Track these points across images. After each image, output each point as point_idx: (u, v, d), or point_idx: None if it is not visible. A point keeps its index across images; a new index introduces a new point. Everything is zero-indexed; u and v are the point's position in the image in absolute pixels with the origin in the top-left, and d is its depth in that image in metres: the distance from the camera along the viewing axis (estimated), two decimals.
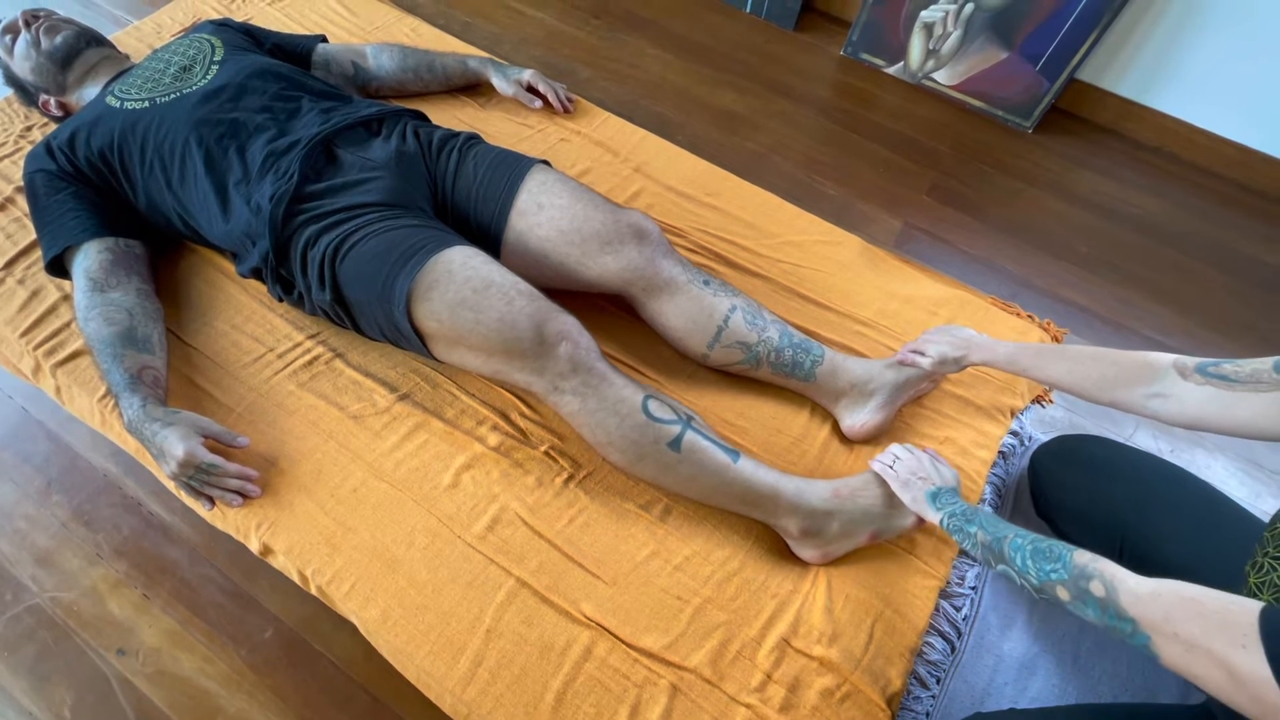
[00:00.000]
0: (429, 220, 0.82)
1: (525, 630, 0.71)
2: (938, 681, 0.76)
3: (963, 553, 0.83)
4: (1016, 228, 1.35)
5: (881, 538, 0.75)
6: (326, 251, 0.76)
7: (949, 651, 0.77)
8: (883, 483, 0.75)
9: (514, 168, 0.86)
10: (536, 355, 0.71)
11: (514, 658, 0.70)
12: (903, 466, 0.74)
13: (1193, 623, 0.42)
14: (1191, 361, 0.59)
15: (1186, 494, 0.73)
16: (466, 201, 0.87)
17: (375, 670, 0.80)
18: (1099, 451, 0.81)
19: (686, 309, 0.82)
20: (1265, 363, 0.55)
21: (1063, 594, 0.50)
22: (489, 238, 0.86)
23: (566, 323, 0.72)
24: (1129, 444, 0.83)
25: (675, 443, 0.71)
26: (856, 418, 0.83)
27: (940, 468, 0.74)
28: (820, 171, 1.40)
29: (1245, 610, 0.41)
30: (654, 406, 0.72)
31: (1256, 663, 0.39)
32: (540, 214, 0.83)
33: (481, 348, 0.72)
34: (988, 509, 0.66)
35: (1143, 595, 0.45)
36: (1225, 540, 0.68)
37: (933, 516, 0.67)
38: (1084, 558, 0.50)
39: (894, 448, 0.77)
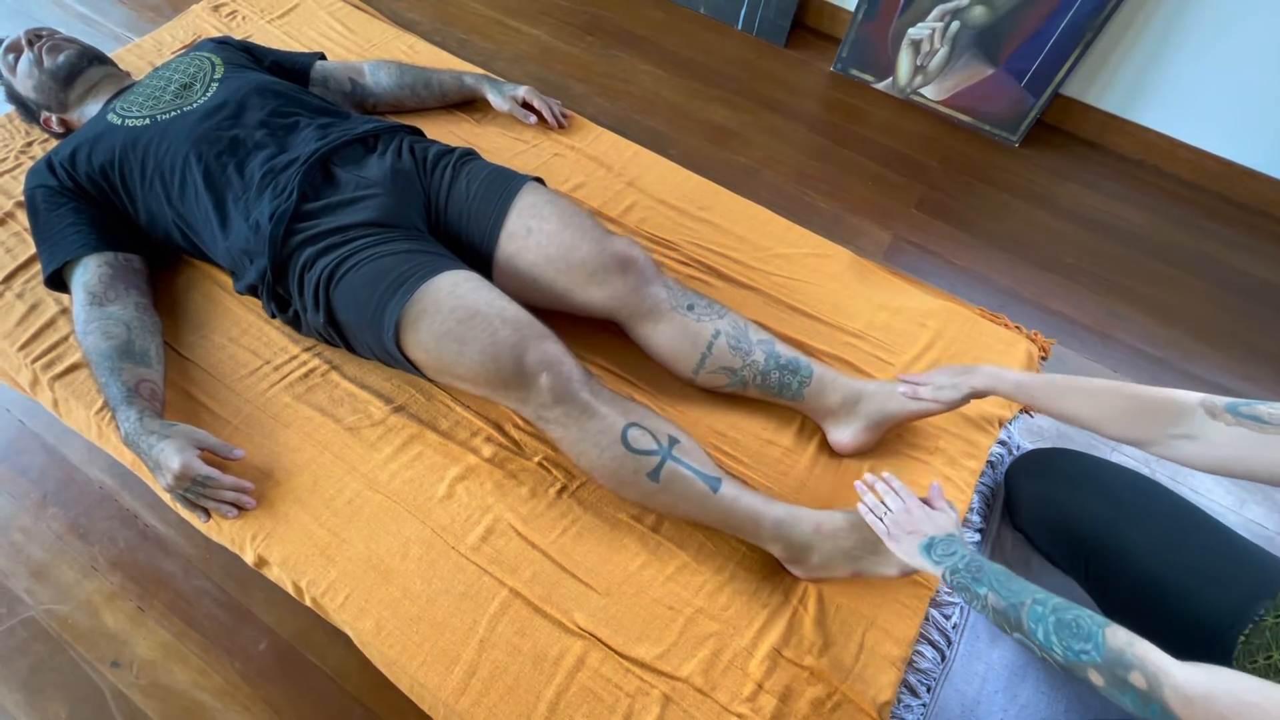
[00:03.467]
0: (422, 241, 0.83)
1: (518, 640, 0.72)
2: (928, 690, 0.76)
3: None
4: (1003, 240, 1.37)
5: (863, 575, 0.72)
6: (322, 276, 0.77)
7: (939, 660, 0.78)
8: (867, 526, 0.71)
9: (504, 188, 0.87)
10: (520, 386, 0.73)
11: (507, 668, 0.70)
12: (892, 520, 0.66)
13: None
14: (1221, 401, 0.56)
15: (1155, 505, 0.74)
16: (459, 220, 0.88)
17: (370, 682, 0.80)
18: (1068, 465, 0.82)
19: (671, 335, 0.83)
20: None
21: (1095, 678, 0.46)
22: (481, 257, 0.87)
23: (548, 352, 0.73)
24: (1110, 455, 0.84)
25: (654, 473, 0.72)
26: (844, 435, 0.84)
27: (935, 516, 0.65)
28: (811, 185, 1.43)
29: None
30: (634, 436, 0.73)
31: None
32: (529, 238, 0.84)
33: (468, 378, 0.74)
34: (998, 566, 0.57)
35: (1194, 696, 0.41)
36: (1195, 550, 0.69)
37: (931, 570, 0.61)
38: (1119, 638, 0.46)
39: (883, 488, 0.69)
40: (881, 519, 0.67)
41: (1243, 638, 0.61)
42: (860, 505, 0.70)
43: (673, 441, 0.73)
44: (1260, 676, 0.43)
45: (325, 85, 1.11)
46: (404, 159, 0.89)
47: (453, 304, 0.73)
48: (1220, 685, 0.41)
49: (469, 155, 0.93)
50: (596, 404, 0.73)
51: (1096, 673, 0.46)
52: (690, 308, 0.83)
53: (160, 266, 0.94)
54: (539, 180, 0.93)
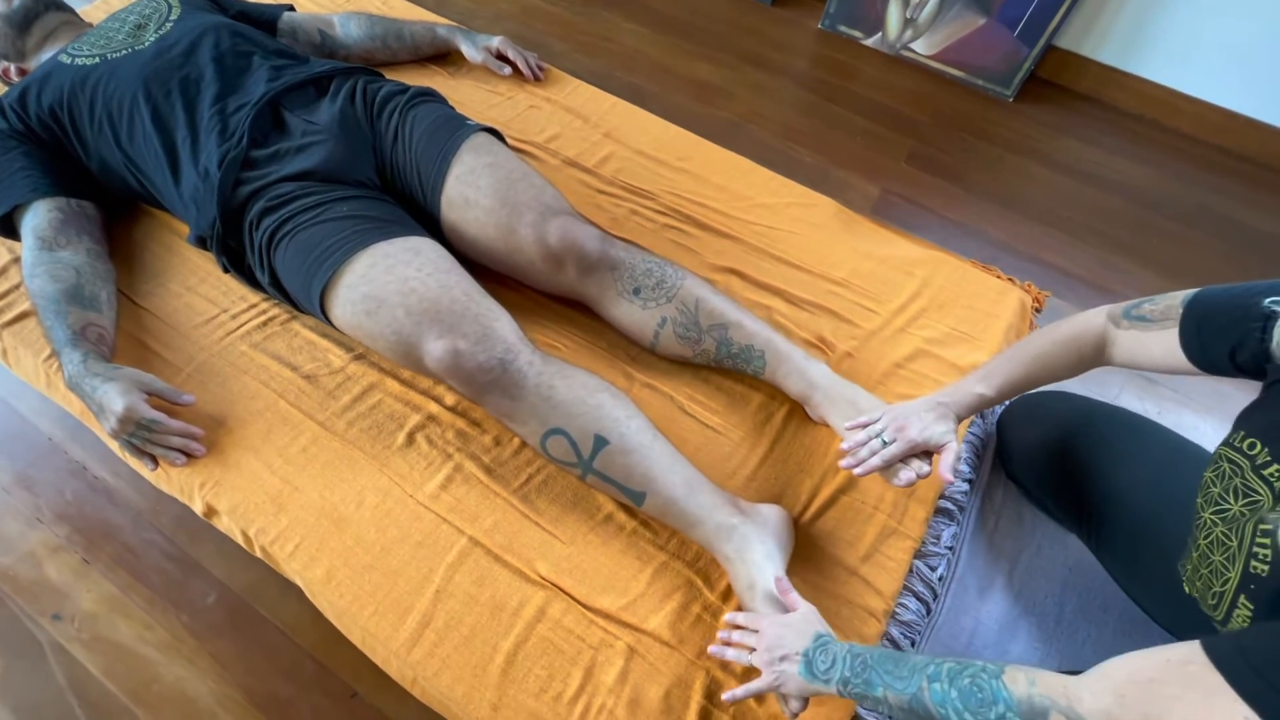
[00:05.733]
0: (364, 202, 0.78)
1: (476, 590, 0.68)
2: (913, 644, 0.72)
3: (940, 511, 0.80)
4: (997, 194, 1.33)
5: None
6: (265, 237, 0.76)
7: (924, 613, 0.74)
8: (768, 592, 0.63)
9: (444, 143, 0.82)
10: (439, 381, 0.73)
11: (463, 618, 0.67)
12: (759, 658, 0.58)
13: (1172, 707, 0.37)
14: (1119, 309, 0.58)
15: (1146, 442, 0.71)
16: (406, 172, 0.84)
17: (322, 636, 0.77)
18: (1059, 407, 0.79)
19: (620, 319, 0.81)
20: (1175, 298, 0.53)
21: None
22: (428, 215, 0.83)
23: (446, 353, 0.67)
24: (1103, 400, 0.80)
25: (581, 478, 0.71)
26: (810, 412, 0.80)
27: (791, 623, 0.58)
28: (796, 140, 1.38)
29: (1192, 658, 0.38)
30: (553, 446, 0.69)
31: (1232, 705, 0.35)
32: (466, 211, 0.80)
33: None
34: (876, 650, 0.53)
35: (1109, 709, 0.39)
36: (1188, 485, 0.65)
37: (825, 691, 0.54)
38: (1019, 684, 0.43)
39: (735, 645, 0.61)
40: (752, 664, 0.59)
41: None
42: (713, 648, 0.62)
43: (599, 445, 0.67)
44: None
45: (293, 37, 1.08)
46: (355, 103, 0.85)
47: (363, 291, 0.71)
48: (1121, 681, 0.40)
49: (419, 98, 0.87)
50: (513, 406, 0.69)
51: None
52: (636, 292, 0.78)
53: (118, 216, 0.91)
54: (488, 130, 0.87)
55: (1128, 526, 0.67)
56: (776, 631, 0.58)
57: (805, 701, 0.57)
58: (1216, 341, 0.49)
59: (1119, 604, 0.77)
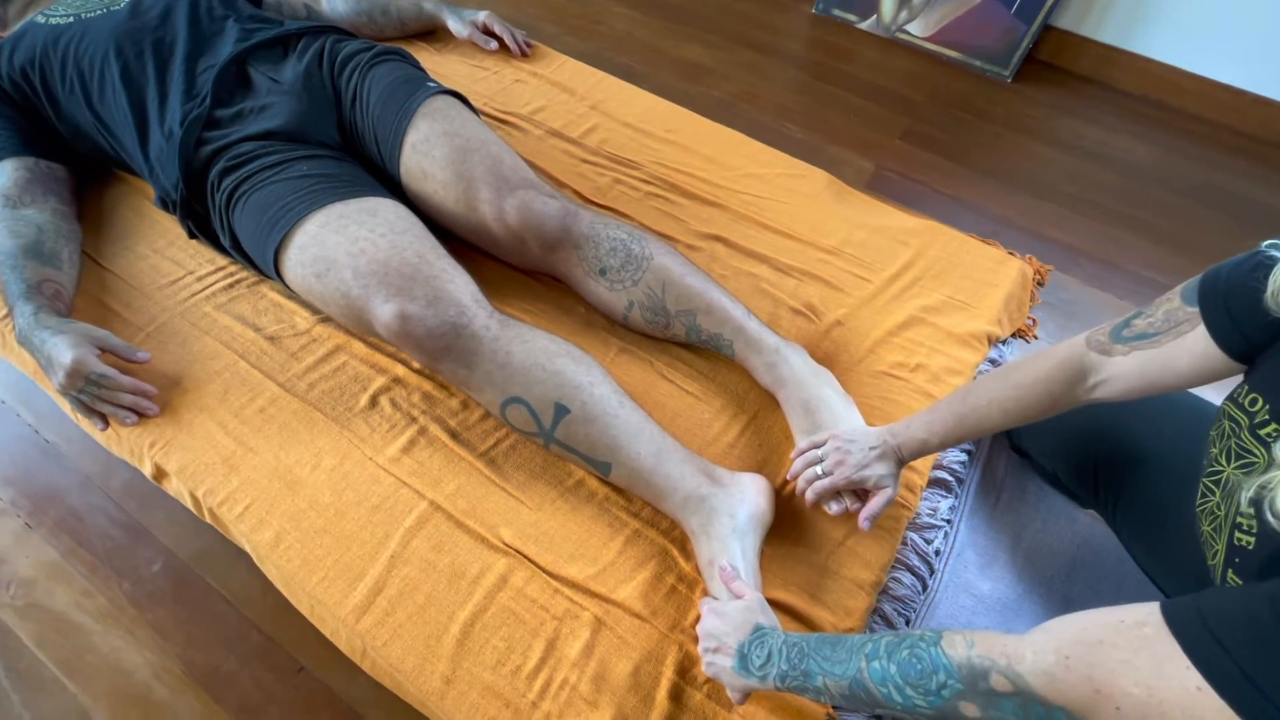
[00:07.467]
0: (324, 161, 0.76)
1: (434, 557, 0.64)
2: (907, 622, 0.67)
3: (937, 482, 0.75)
4: (996, 170, 1.29)
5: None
6: (224, 198, 0.74)
7: (920, 589, 0.68)
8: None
9: (400, 108, 0.78)
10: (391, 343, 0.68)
11: (419, 586, 0.62)
12: (700, 648, 0.56)
13: (1119, 671, 0.34)
14: (1103, 335, 0.51)
15: (1170, 406, 0.64)
16: (363, 137, 0.82)
17: (271, 608, 0.72)
18: None
19: (590, 296, 0.78)
20: (1173, 299, 0.46)
21: (970, 710, 0.39)
22: (391, 180, 0.81)
23: (395, 318, 0.63)
24: None
25: (546, 447, 0.67)
26: None
27: (726, 614, 0.54)
28: (789, 118, 1.36)
29: (1148, 620, 0.34)
30: (513, 415, 0.65)
31: (1184, 673, 0.32)
32: (425, 183, 0.77)
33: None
34: (811, 637, 0.49)
35: (1052, 669, 0.36)
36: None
37: (762, 688, 0.51)
38: (958, 649, 0.40)
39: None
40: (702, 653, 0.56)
41: None
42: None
43: (560, 414, 0.64)
44: None
45: (279, 10, 1.07)
46: (322, 63, 0.83)
47: (314, 253, 0.68)
48: (1067, 640, 0.36)
49: (381, 57, 0.85)
50: (468, 373, 0.65)
51: (967, 702, 0.39)
52: (603, 273, 0.74)
53: (87, 180, 0.89)
54: (448, 92, 0.83)
55: (1151, 497, 0.61)
56: (711, 621, 0.55)
57: (746, 693, 0.53)
58: (1259, 318, 0.40)
59: (1132, 583, 0.71)
